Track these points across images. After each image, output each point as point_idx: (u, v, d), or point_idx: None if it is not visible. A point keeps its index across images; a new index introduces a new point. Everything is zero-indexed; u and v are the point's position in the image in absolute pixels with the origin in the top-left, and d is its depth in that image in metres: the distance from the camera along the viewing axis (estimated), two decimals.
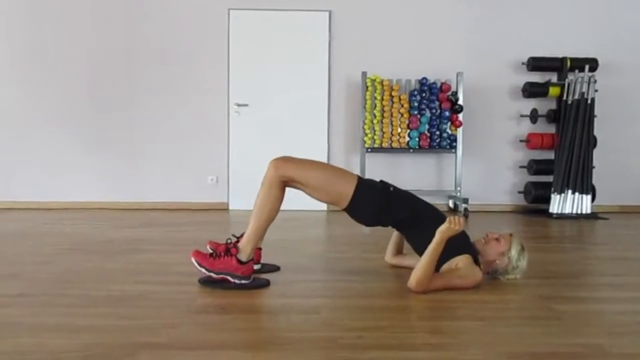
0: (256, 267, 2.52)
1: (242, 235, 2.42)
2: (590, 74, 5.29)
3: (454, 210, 5.55)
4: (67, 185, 5.52)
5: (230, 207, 5.59)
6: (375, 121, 5.35)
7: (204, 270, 2.29)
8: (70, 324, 1.83)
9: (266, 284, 2.38)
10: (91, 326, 1.81)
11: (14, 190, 5.48)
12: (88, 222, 4.45)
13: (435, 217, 2.38)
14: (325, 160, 5.62)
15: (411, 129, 5.35)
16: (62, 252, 3.12)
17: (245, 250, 2.33)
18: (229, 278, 2.29)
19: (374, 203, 2.40)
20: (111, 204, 5.47)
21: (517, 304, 2.17)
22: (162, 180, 5.57)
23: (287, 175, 2.33)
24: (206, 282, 2.34)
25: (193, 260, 2.31)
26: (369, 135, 5.35)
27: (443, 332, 1.80)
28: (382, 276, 2.51)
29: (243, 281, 2.30)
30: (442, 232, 2.22)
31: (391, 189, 2.47)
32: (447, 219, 2.24)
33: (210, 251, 2.54)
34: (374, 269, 2.72)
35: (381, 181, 2.53)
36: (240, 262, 2.30)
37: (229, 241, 2.41)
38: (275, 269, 2.66)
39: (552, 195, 5.27)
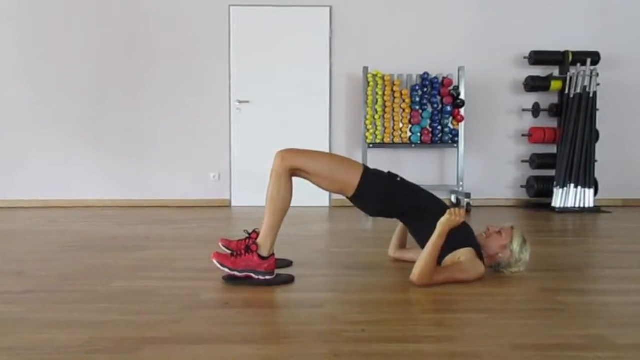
0: None
1: (253, 231, 2.42)
2: (592, 67, 5.27)
3: (457, 205, 5.55)
4: (70, 184, 5.53)
5: (233, 204, 5.60)
6: (376, 117, 5.34)
7: (227, 270, 2.28)
8: (74, 320, 1.83)
9: (290, 280, 2.35)
10: (96, 321, 1.81)
11: (18, 188, 5.50)
12: (91, 220, 4.47)
13: (441, 210, 2.36)
14: None
15: (413, 124, 5.34)
16: (66, 249, 3.14)
17: (265, 245, 2.32)
18: (253, 275, 2.29)
19: (380, 192, 2.41)
20: (114, 202, 5.49)
21: (521, 296, 2.17)
22: (165, 178, 5.58)
23: (293, 165, 2.35)
24: (230, 279, 2.32)
25: (215, 261, 2.28)
26: (371, 131, 5.34)
27: (446, 324, 1.80)
28: (385, 270, 2.51)
29: (267, 277, 2.29)
30: (442, 224, 2.22)
31: (398, 179, 2.49)
32: (448, 211, 2.24)
33: (225, 249, 2.55)
34: (377, 263, 2.72)
35: (389, 172, 2.53)
36: (262, 257, 2.29)
37: (246, 238, 2.40)
38: (288, 264, 2.66)
39: (555, 190, 5.26)
